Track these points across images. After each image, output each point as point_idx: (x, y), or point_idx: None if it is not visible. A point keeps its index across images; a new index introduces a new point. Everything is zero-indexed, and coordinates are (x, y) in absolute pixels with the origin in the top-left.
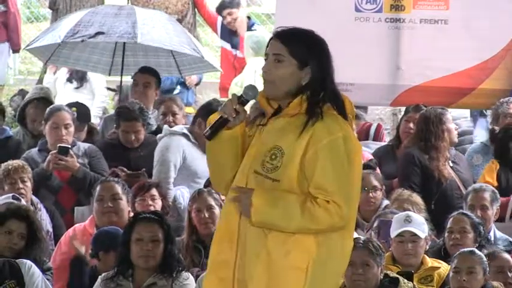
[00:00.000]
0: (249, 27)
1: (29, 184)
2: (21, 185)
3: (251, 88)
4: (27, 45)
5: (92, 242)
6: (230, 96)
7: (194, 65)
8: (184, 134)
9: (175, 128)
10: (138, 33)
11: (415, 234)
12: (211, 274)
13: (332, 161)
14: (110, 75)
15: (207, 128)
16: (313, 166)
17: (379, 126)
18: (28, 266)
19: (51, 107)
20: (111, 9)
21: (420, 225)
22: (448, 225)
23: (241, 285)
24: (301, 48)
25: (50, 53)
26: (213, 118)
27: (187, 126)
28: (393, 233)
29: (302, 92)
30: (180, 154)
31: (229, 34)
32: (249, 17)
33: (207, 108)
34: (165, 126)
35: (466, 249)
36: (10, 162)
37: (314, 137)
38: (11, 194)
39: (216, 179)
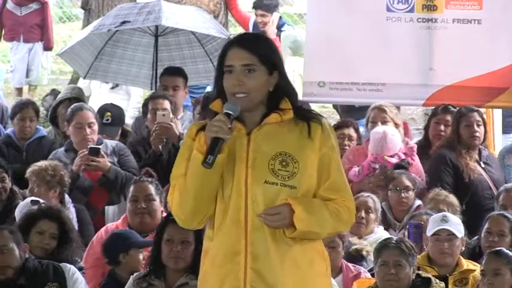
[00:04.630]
0: (279, 27)
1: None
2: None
3: (232, 103)
4: (61, 51)
5: (107, 249)
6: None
7: None
8: None
9: None
10: (163, 16)
11: (452, 234)
12: None
13: (338, 160)
14: (151, 89)
15: (207, 156)
16: (328, 167)
17: (405, 124)
18: (72, 272)
19: (72, 107)
20: (138, 5)
21: (457, 226)
22: (487, 226)
23: None
24: (269, 53)
25: (87, 66)
26: (201, 143)
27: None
28: (429, 231)
29: (274, 98)
30: None
31: None
32: (280, 17)
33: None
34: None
35: (493, 250)
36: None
37: (322, 139)
38: (29, 199)
39: (197, 212)
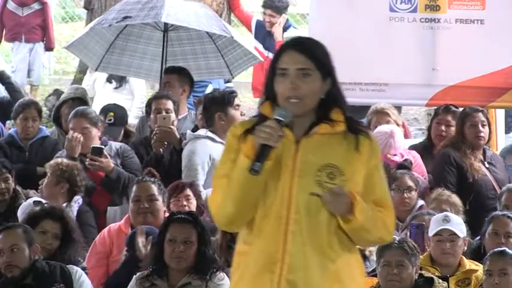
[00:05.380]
0: (286, 29)
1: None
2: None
3: (284, 109)
4: (68, 44)
5: (129, 241)
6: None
7: (240, 61)
8: (208, 137)
9: (199, 132)
10: (164, 13)
11: (454, 234)
12: None
13: (383, 177)
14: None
15: (254, 163)
16: (373, 183)
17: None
18: (79, 274)
19: (74, 111)
20: (143, 0)
21: (459, 225)
22: (492, 227)
23: None
24: (324, 59)
25: (98, 59)
26: (249, 148)
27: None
28: (431, 232)
29: (324, 106)
30: (207, 157)
31: (264, 35)
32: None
33: (219, 99)
34: (188, 132)
35: (496, 250)
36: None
37: (370, 153)
38: (32, 199)
39: (237, 216)
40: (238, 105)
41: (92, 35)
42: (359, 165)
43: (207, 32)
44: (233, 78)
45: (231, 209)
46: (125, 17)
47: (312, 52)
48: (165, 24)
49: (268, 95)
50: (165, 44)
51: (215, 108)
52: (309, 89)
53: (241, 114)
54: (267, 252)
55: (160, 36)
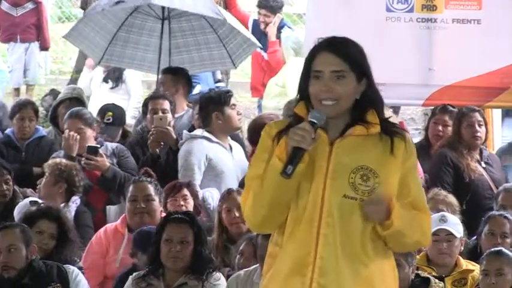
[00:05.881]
0: (279, 28)
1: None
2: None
3: (318, 112)
4: (67, 33)
5: (134, 242)
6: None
7: (241, 49)
8: (204, 137)
9: (195, 132)
10: None
11: (451, 234)
12: None
13: (418, 179)
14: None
15: (286, 165)
16: (408, 185)
17: (401, 124)
18: (76, 274)
19: (69, 112)
20: None
21: (455, 225)
22: (489, 227)
23: None
24: (359, 60)
25: (101, 51)
26: (281, 150)
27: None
28: None
29: (359, 107)
30: (203, 157)
31: (261, 35)
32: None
33: (215, 99)
34: (185, 132)
35: (493, 250)
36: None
37: (405, 156)
38: (28, 199)
39: (270, 220)
40: (234, 105)
41: (91, 26)
42: (393, 168)
43: (208, 21)
44: (235, 67)
45: (263, 211)
46: (118, 2)
47: (346, 53)
48: (163, 12)
49: (303, 95)
50: (163, 33)
51: (212, 107)
52: (343, 91)
53: (238, 114)
54: (299, 255)
55: (165, 28)
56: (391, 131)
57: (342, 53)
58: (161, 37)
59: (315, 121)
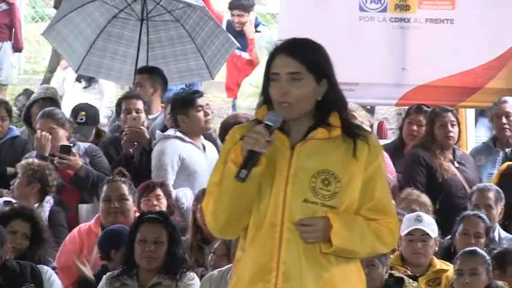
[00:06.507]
0: (255, 27)
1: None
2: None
3: (274, 114)
4: (46, 31)
5: (100, 243)
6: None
7: (219, 55)
8: (177, 137)
9: (168, 132)
10: None
11: (426, 234)
12: None
13: (385, 182)
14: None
15: (240, 169)
16: (372, 188)
17: (381, 123)
18: (49, 274)
19: (41, 112)
20: None
21: (431, 225)
22: (463, 227)
23: None
24: (317, 61)
25: (79, 59)
26: (237, 154)
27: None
28: (403, 231)
29: (322, 110)
30: (176, 157)
31: (235, 35)
32: (256, 17)
33: (180, 101)
34: (157, 132)
35: (467, 250)
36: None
37: (369, 159)
38: (2, 199)
39: (231, 225)
40: (201, 106)
41: (71, 28)
42: (356, 172)
43: (186, 30)
44: (213, 79)
45: (223, 217)
46: None
47: (303, 55)
48: (142, 13)
49: (265, 98)
50: (140, 43)
51: (177, 110)
52: (300, 93)
53: (205, 115)
54: (261, 261)
55: (141, 38)
56: (354, 134)
57: (298, 54)
58: (138, 48)
59: (271, 124)
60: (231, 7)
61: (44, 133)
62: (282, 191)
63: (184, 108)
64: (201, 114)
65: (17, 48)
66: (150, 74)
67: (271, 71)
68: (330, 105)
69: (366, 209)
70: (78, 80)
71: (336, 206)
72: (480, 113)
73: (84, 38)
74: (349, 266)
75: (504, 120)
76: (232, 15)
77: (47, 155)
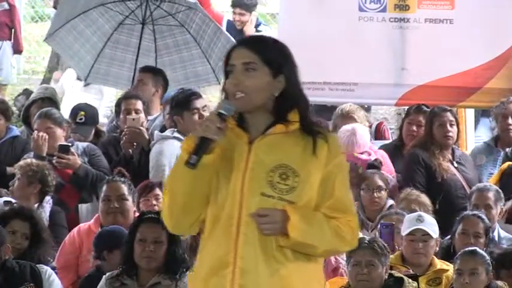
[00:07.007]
0: (256, 26)
1: None
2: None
3: (229, 103)
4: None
5: (95, 243)
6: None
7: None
8: (175, 137)
9: (166, 133)
10: None
11: (427, 234)
12: None
13: (345, 180)
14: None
15: (190, 155)
16: (332, 185)
17: (379, 124)
18: (49, 273)
19: (39, 112)
20: None
21: (432, 226)
22: (462, 227)
23: None
24: (274, 55)
25: (87, 68)
26: (189, 143)
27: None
28: (404, 231)
29: (281, 107)
30: (174, 157)
31: (235, 35)
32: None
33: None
34: (156, 132)
35: (467, 250)
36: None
37: (328, 157)
38: (2, 199)
39: (184, 216)
40: (197, 109)
41: (75, 35)
42: (315, 168)
43: (192, 35)
44: (219, 83)
45: (177, 207)
46: None
47: (258, 46)
48: (143, 17)
49: (226, 95)
50: (141, 37)
51: (174, 111)
52: (253, 83)
53: (200, 118)
54: (218, 255)
55: (147, 45)
56: (313, 131)
57: (254, 46)
58: (139, 49)
59: (223, 111)
60: (234, 5)
61: (40, 133)
62: (239, 184)
63: (180, 109)
64: (195, 117)
65: (17, 51)
66: (154, 74)
67: (228, 63)
68: (289, 103)
69: (326, 207)
70: (78, 78)
71: (294, 201)
72: (482, 113)
73: (91, 46)
74: (309, 265)
75: (510, 120)
76: (234, 13)
77: (44, 155)
